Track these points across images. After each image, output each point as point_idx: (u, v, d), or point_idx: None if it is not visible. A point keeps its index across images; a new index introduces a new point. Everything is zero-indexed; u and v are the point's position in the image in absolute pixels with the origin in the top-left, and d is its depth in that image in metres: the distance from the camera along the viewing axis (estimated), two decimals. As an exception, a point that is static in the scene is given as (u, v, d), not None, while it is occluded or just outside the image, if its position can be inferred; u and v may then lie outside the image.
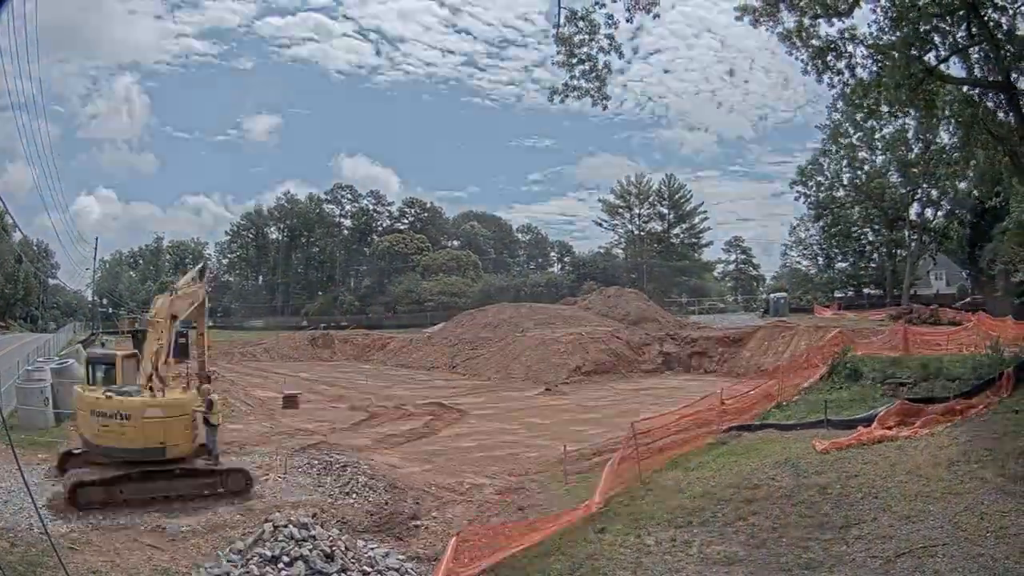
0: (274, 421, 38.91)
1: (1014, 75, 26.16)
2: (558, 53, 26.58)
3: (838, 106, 29.02)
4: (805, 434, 24.38)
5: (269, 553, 16.57)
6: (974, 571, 13.32)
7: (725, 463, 22.86)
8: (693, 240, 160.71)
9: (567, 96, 27.03)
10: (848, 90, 28.53)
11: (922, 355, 34.24)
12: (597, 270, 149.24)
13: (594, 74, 26.64)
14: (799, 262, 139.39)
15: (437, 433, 37.18)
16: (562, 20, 26.10)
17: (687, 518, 18.50)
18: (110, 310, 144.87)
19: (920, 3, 25.35)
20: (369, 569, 17.11)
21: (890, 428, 22.17)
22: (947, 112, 29.47)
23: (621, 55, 26.63)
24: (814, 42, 27.60)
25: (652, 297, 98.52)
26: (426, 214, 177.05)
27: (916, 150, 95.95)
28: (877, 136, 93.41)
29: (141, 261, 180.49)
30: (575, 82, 26.82)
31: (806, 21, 27.27)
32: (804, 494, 18.42)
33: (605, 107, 27.42)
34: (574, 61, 26.48)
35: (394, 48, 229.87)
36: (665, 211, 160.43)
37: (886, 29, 26.63)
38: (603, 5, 25.83)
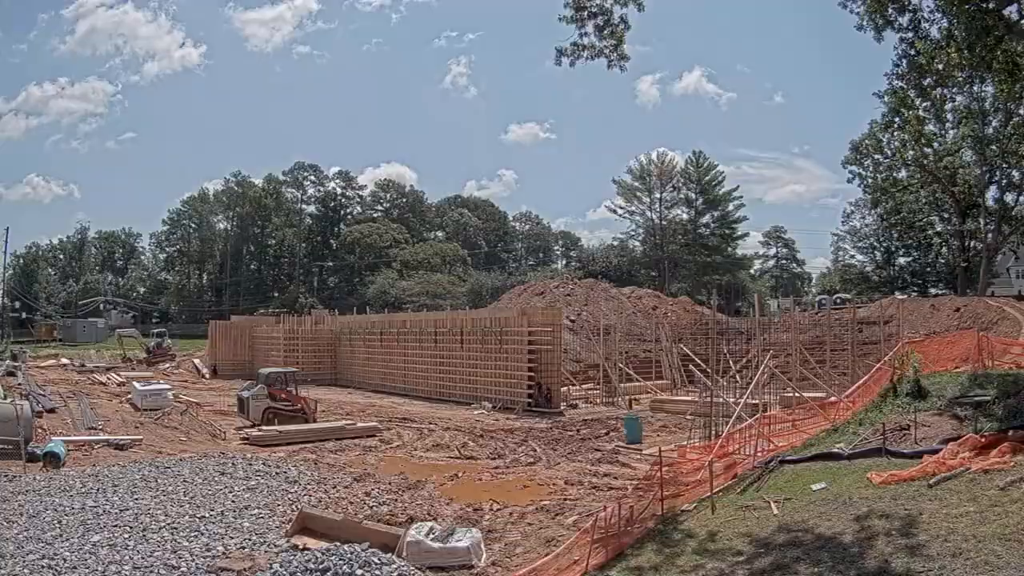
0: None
1: (1112, 31, 26.11)
2: (565, 6, 26.22)
3: (901, 70, 28.66)
4: (859, 464, 24.29)
5: None
6: (1063, 629, 13.28)
7: (763, 496, 22.82)
8: (726, 231, 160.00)
9: (577, 58, 26.59)
10: (913, 51, 28.43)
11: (1002, 370, 34.17)
12: (610, 267, 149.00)
13: (608, 30, 26.27)
14: (853, 256, 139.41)
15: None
16: (569, -34, 25.84)
17: (718, 566, 18.47)
18: (23, 315, 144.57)
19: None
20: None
21: (962, 458, 22.11)
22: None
23: (641, 7, 26.23)
24: (873, -9, 27.52)
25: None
26: (405, 199, 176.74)
27: (995, 123, 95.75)
28: (948, 107, 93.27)
29: (62, 256, 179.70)
30: (586, 40, 26.47)
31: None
32: (859, 536, 18.38)
33: (623, 68, 26.99)
34: (584, 15, 26.14)
35: None
36: (693, 196, 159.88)
37: (959, -25, 26.57)
38: (618, -52, 25.58)
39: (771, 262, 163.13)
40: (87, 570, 19.65)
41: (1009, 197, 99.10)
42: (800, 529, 19.73)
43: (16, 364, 60.53)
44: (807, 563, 17.68)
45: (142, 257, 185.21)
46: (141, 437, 39.53)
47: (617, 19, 26.18)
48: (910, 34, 27.99)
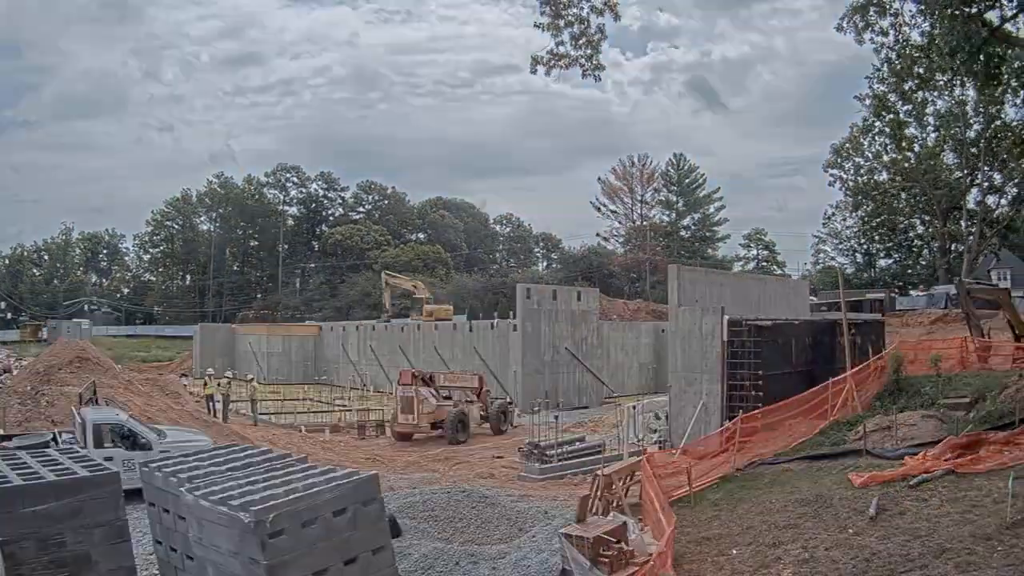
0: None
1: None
2: (542, 14, 26.10)
3: (882, 74, 28.60)
4: (840, 465, 24.34)
5: None
6: (1043, 628, 13.32)
7: (743, 499, 22.86)
8: (707, 233, 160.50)
9: (553, 66, 26.51)
10: (894, 54, 28.47)
11: (986, 371, 34.32)
12: (591, 268, 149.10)
13: (584, 39, 26.20)
14: (833, 258, 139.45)
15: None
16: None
17: (698, 565, 18.49)
18: (9, 315, 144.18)
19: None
20: None
21: (943, 459, 22.15)
22: (1014, 81, 29.44)
23: (617, 17, 26.18)
24: (853, -6, 27.56)
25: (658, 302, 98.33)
26: (386, 201, 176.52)
27: (976, 127, 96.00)
28: (929, 110, 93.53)
29: (47, 257, 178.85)
30: (562, 48, 26.38)
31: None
32: (839, 536, 18.42)
33: (598, 78, 26.96)
34: (561, 23, 26.04)
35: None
36: (673, 198, 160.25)
37: (940, -20, 26.56)
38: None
39: (752, 264, 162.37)
40: None
41: (991, 199, 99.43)
42: (777, 527, 19.76)
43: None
44: (786, 563, 17.70)
45: (126, 258, 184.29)
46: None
47: (594, 28, 26.11)
48: (891, 38, 28.04)
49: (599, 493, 21.97)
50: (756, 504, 22.09)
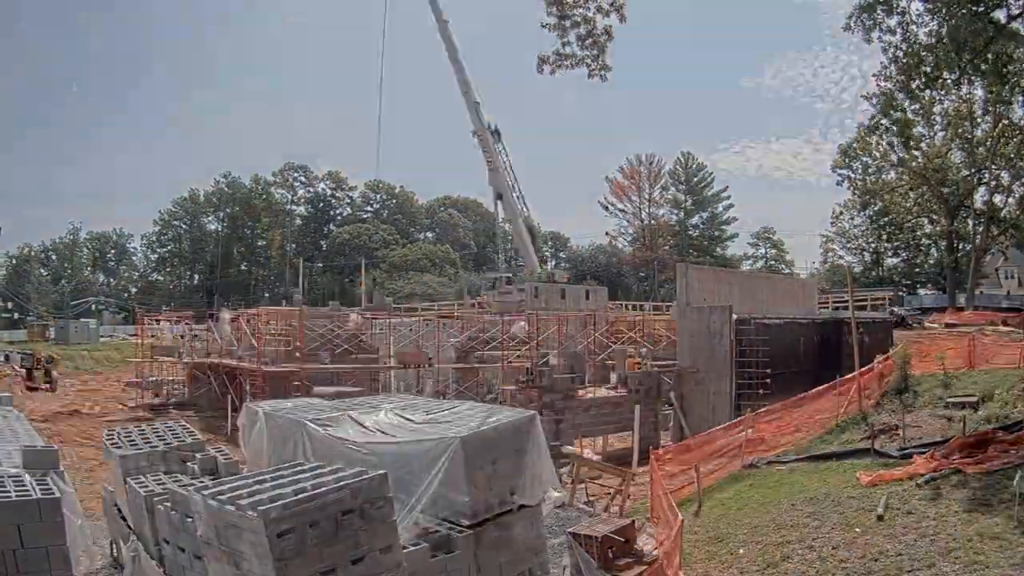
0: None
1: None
2: (548, 14, 26.02)
3: (889, 72, 28.50)
4: (847, 465, 24.29)
5: None
6: (1052, 629, 13.28)
7: (751, 498, 22.85)
8: (716, 232, 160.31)
9: (559, 66, 26.44)
10: (901, 53, 28.35)
11: (992, 369, 34.25)
12: (599, 267, 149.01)
13: (591, 40, 26.12)
14: (842, 257, 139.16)
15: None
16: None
17: (705, 564, 18.49)
18: (15, 315, 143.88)
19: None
20: None
21: (951, 458, 22.10)
22: (1022, 81, 29.31)
23: (623, 18, 26.09)
24: (860, -8, 27.44)
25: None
26: (394, 201, 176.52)
27: (984, 126, 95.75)
28: (937, 109, 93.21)
29: (54, 256, 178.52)
30: (568, 49, 26.28)
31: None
32: (847, 535, 18.40)
33: (604, 78, 26.83)
34: (567, 24, 25.95)
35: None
36: (682, 196, 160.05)
37: (948, -22, 26.47)
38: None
39: (760, 263, 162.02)
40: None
41: (998, 198, 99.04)
42: (786, 526, 19.74)
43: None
44: (794, 562, 17.69)
45: (133, 258, 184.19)
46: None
47: (600, 30, 26.03)
48: (898, 36, 27.94)
49: (614, 490, 22.03)
50: (764, 503, 22.09)
